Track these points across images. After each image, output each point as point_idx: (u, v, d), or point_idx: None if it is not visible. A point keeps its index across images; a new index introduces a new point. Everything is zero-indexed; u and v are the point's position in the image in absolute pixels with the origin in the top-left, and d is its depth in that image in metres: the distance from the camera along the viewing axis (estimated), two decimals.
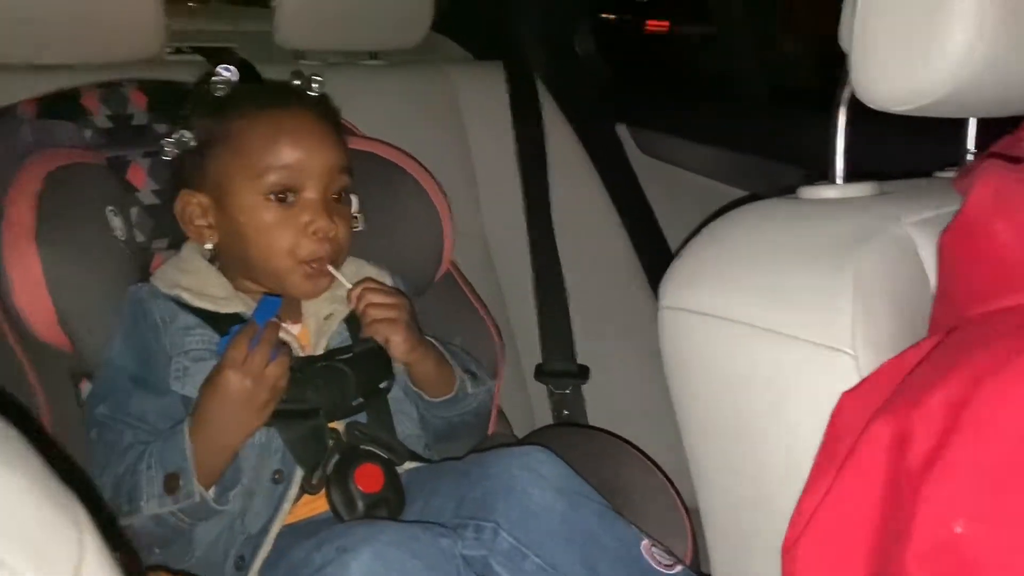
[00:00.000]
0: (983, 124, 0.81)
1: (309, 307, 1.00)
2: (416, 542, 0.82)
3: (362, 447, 0.95)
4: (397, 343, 0.97)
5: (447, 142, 1.48)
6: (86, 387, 0.96)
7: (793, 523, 0.55)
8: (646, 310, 1.37)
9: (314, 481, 0.92)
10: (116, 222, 0.99)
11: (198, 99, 1.00)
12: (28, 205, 0.93)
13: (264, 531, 0.91)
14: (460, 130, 1.50)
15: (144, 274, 1.02)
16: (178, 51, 1.42)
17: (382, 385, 0.99)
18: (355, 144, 1.08)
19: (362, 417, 0.97)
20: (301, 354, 0.96)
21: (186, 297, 0.95)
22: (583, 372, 1.43)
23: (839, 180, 0.71)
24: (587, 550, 0.88)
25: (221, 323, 0.94)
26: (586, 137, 1.56)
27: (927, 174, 0.82)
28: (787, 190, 0.75)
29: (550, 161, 1.51)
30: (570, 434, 1.25)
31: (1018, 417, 0.49)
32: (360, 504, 0.91)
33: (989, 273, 0.57)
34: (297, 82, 1.02)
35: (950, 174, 0.81)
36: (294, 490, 0.92)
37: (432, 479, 0.96)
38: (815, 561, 0.54)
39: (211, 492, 0.87)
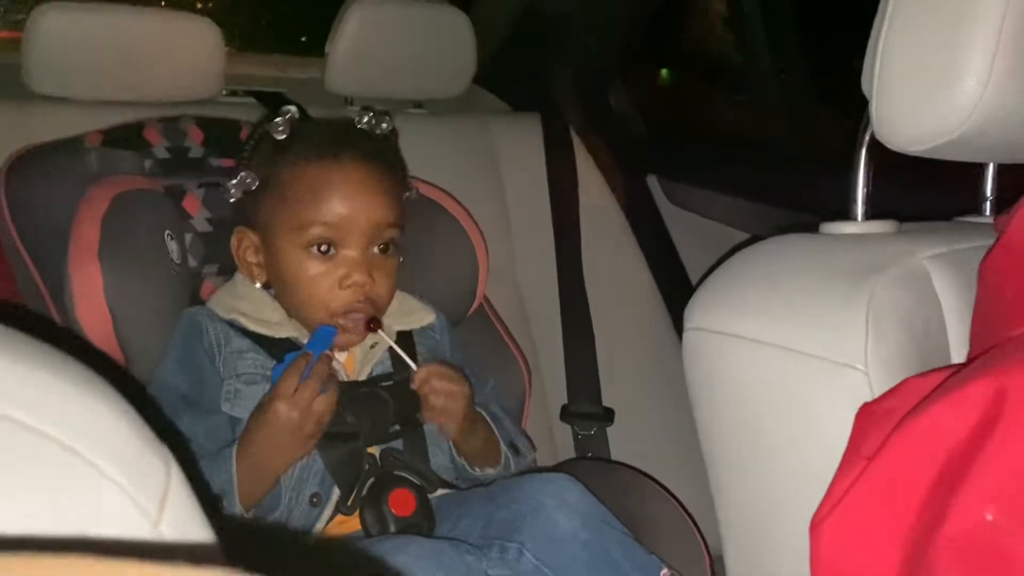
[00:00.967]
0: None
1: None
2: (443, 556, 0.84)
3: (396, 472, 0.97)
4: (450, 430, 0.98)
5: (484, 188, 1.53)
6: None
7: (823, 503, 0.57)
8: (672, 356, 1.39)
9: (349, 502, 0.94)
10: (172, 246, 1.04)
11: (259, 140, 1.02)
12: (94, 226, 0.98)
13: None
14: (497, 177, 1.56)
15: (195, 297, 1.07)
16: (233, 93, 1.50)
17: (419, 415, 1.00)
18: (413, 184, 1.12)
19: (398, 444, 0.99)
20: (345, 379, 0.99)
21: (243, 321, 0.98)
22: (608, 415, 1.45)
23: (860, 217, 0.75)
24: None
25: (275, 348, 0.97)
26: (617, 187, 1.61)
27: (947, 218, 0.86)
28: (810, 228, 0.78)
29: (582, 209, 1.55)
30: (595, 466, 1.27)
31: None
32: (392, 527, 0.93)
33: None
34: (365, 119, 1.03)
35: (970, 219, 0.85)
36: (328, 512, 0.95)
37: (461, 503, 0.98)
38: (840, 539, 0.56)
39: (250, 515, 0.90)
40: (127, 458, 0.32)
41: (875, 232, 0.74)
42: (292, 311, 1.00)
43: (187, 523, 0.34)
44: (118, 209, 1.00)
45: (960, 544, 0.50)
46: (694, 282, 1.64)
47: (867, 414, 0.58)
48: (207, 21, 1.37)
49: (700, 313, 0.72)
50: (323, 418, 0.90)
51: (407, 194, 1.07)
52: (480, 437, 1.02)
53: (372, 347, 1.02)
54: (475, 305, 1.22)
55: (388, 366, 1.03)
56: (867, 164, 0.74)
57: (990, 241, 0.67)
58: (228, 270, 1.07)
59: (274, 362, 0.95)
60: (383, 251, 0.98)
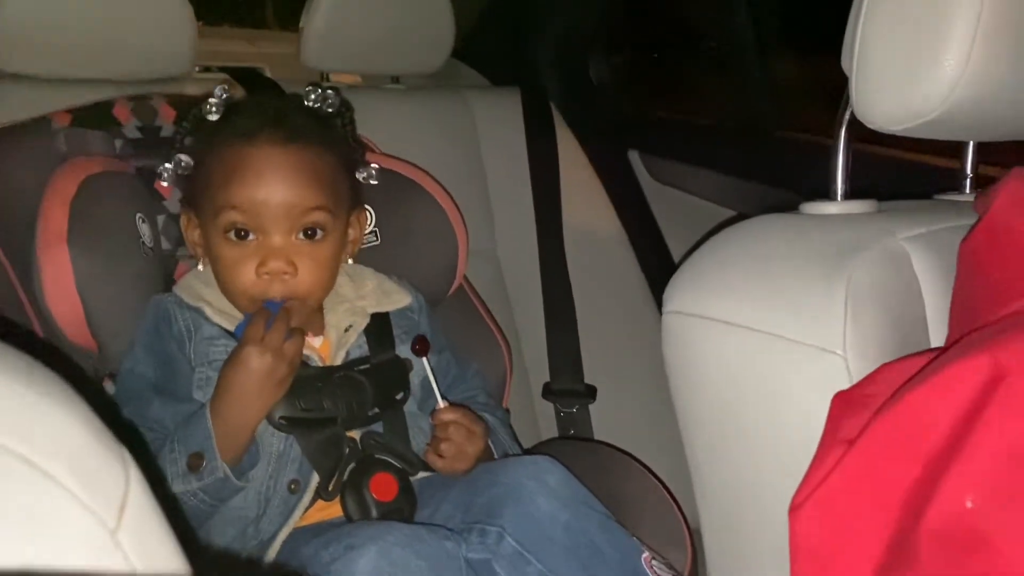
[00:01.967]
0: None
1: (330, 319, 1.01)
2: (421, 543, 0.84)
3: (377, 456, 0.96)
4: (459, 471, 0.97)
5: (463, 164, 1.51)
6: (109, 386, 0.99)
7: (802, 487, 0.57)
8: (654, 332, 1.38)
9: (330, 488, 0.94)
10: (144, 229, 1.02)
11: (191, 122, 0.99)
12: (61, 210, 0.96)
13: (274, 537, 0.93)
14: (476, 153, 1.54)
15: (169, 280, 1.05)
16: (206, 69, 1.47)
17: (398, 396, 1.00)
18: (375, 161, 1.11)
19: (378, 427, 0.98)
20: (320, 364, 0.98)
21: (207, 311, 0.97)
22: (590, 392, 1.45)
23: (839, 197, 0.74)
24: (588, 559, 0.89)
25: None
26: (598, 162, 1.59)
27: (927, 196, 0.85)
28: (790, 208, 0.78)
29: (563, 184, 1.54)
30: (575, 446, 1.27)
31: None
32: (374, 512, 0.92)
33: (1013, 273, 0.59)
34: (313, 97, 1.01)
35: (950, 196, 0.84)
36: (308, 498, 0.94)
37: (442, 487, 0.98)
38: (819, 523, 0.56)
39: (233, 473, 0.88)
40: (84, 467, 0.31)
41: (855, 212, 0.73)
42: (225, 296, 0.98)
43: (146, 530, 0.33)
44: (87, 192, 0.98)
45: (941, 530, 0.50)
46: (676, 257, 1.64)
47: (843, 401, 0.58)
48: None
49: (678, 296, 0.71)
50: (295, 359, 0.90)
51: (362, 174, 1.05)
52: (481, 461, 1.00)
53: (346, 330, 1.01)
54: (455, 285, 1.21)
55: (365, 349, 1.02)
56: (846, 143, 0.74)
57: (970, 221, 0.67)
58: None
59: None
60: (309, 237, 0.94)
